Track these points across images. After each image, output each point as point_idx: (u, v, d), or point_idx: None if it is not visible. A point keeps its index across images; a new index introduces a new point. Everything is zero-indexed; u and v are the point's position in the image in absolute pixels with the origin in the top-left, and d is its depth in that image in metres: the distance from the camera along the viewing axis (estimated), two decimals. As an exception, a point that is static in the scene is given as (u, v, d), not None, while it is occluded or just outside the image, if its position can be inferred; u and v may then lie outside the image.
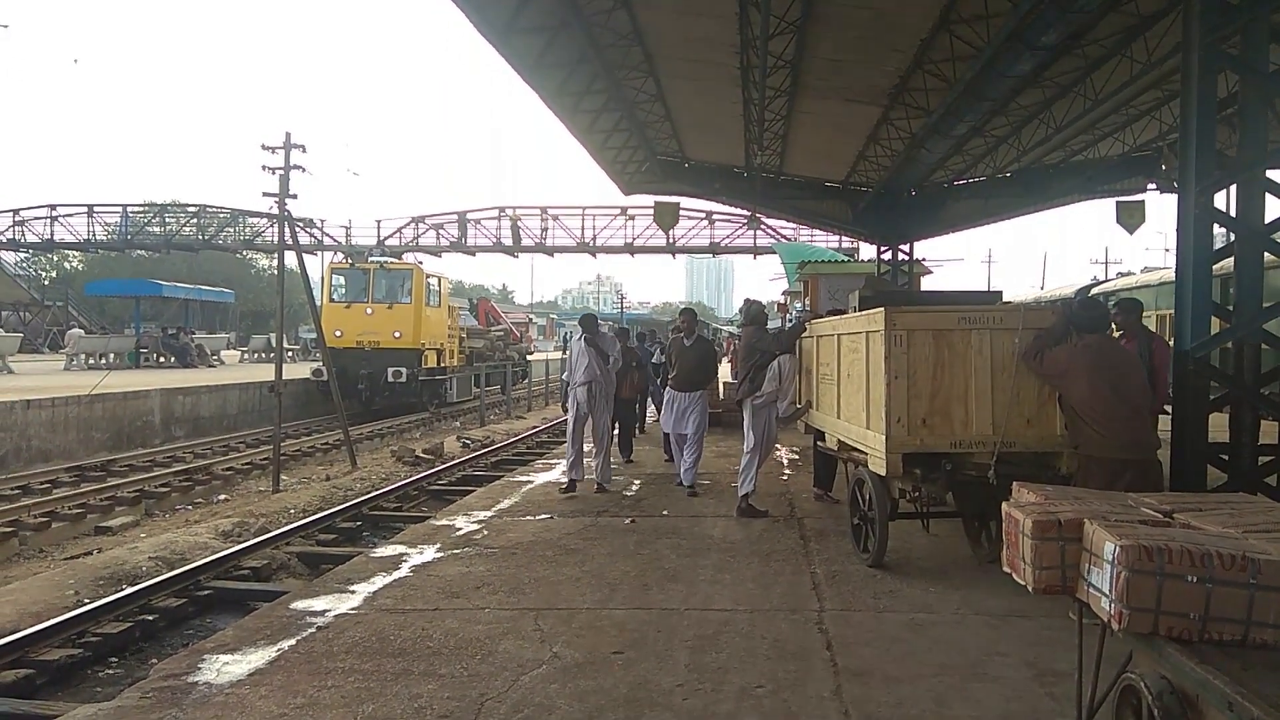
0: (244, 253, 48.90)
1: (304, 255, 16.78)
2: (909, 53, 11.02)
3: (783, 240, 35.70)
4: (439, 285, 25.31)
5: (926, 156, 14.09)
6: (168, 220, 42.20)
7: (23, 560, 9.71)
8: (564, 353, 10.88)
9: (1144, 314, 7.27)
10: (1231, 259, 6.16)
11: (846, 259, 24.85)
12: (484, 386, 24.64)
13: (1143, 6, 9.43)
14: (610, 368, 9.36)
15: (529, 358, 35.47)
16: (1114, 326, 6.95)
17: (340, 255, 28.20)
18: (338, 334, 22.23)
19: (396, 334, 23.20)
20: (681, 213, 22.53)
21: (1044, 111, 13.32)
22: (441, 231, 40.18)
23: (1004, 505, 3.39)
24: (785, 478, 9.97)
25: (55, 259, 55.74)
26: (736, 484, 8.14)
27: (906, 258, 19.87)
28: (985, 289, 17.48)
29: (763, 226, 36.37)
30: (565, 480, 9.33)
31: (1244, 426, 6.06)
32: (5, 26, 38.85)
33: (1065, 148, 16.17)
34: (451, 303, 27.56)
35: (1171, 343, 6.19)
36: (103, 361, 27.93)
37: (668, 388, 9.42)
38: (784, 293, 27.21)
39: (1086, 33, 10.07)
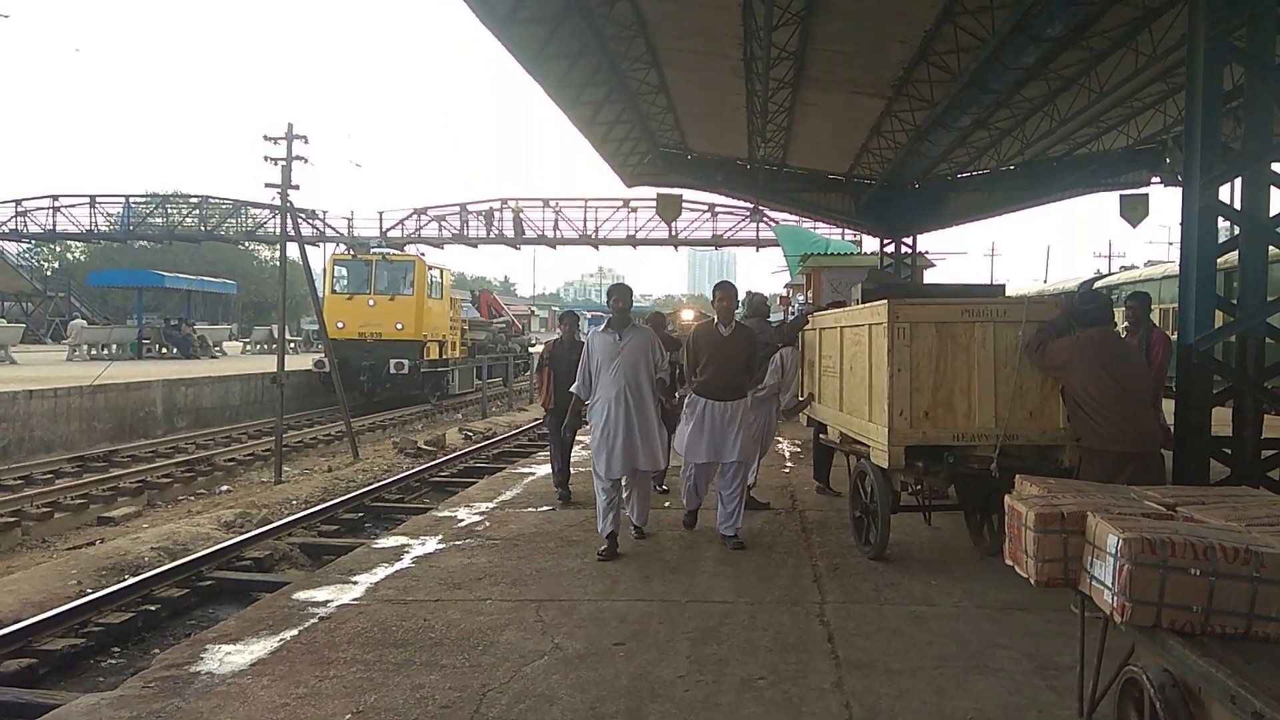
0: (246, 244, 48.94)
1: (306, 246, 16.78)
2: (913, 44, 10.98)
3: (785, 234, 35.64)
4: (441, 277, 25.33)
5: (930, 149, 14.05)
6: (170, 211, 42.17)
7: (25, 550, 9.73)
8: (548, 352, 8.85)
9: (1150, 307, 7.25)
10: (1236, 252, 6.14)
11: (853, 248, 24.83)
12: (486, 378, 24.64)
13: (1148, -2, 9.38)
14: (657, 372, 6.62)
15: (530, 349, 35.46)
16: (1120, 317, 6.95)
17: (342, 246, 28.22)
18: (340, 325, 22.25)
19: (398, 326, 23.21)
20: (684, 205, 22.54)
21: (1048, 104, 13.27)
22: (443, 223, 40.13)
23: (1006, 498, 3.39)
24: (787, 470, 9.97)
25: (57, 249, 55.76)
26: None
27: (909, 250, 19.84)
28: (988, 282, 17.45)
29: (765, 219, 36.30)
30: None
31: (1247, 420, 6.06)
32: (6, 16, 38.65)
33: (1069, 141, 16.12)
34: (454, 294, 27.56)
35: (1175, 336, 6.17)
36: (105, 352, 27.98)
37: (691, 395, 6.71)
38: (786, 285, 27.22)
39: (1091, 24, 10.03)
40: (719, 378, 6.56)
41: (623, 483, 6.45)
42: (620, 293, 6.67)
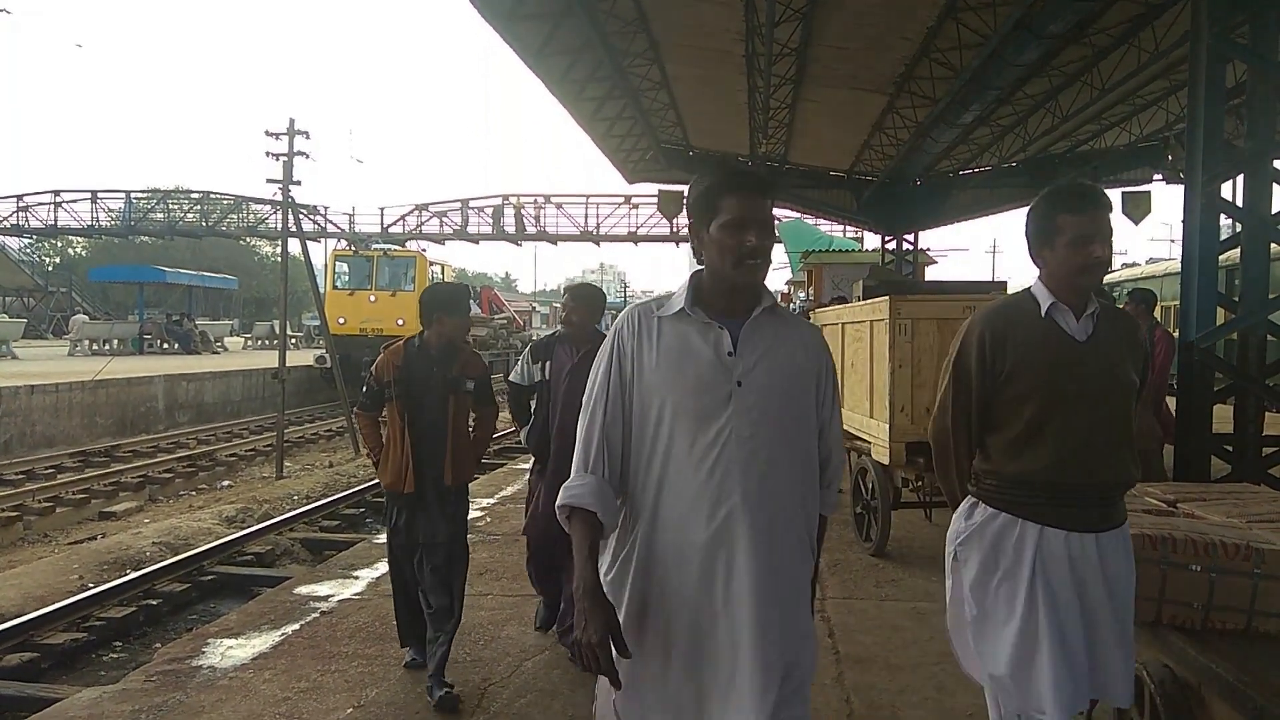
0: (247, 239, 48.93)
1: (307, 242, 16.78)
2: (916, 41, 10.96)
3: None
4: (442, 273, 25.37)
5: (932, 146, 14.03)
6: (171, 206, 42.14)
7: (27, 545, 9.75)
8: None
9: (1154, 304, 7.22)
10: (1237, 250, 6.13)
11: (855, 245, 24.84)
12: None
13: (1151, -5, 9.36)
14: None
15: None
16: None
17: (344, 242, 28.24)
18: (341, 321, 22.28)
19: (400, 321, 23.21)
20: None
21: (1050, 101, 13.25)
22: (445, 219, 40.13)
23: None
24: (788, 467, 9.96)
25: (59, 245, 55.78)
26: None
27: (911, 247, 19.84)
28: (990, 279, 17.43)
29: (767, 215, 36.25)
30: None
31: (1248, 417, 6.04)
32: (7, 11, 38.63)
33: (1071, 137, 16.11)
34: (454, 290, 27.58)
35: (1176, 334, 6.17)
36: (106, 347, 27.99)
37: (981, 509, 2.53)
38: (788, 282, 27.17)
39: (1094, 21, 10.01)
40: (1078, 461, 2.33)
41: None
42: (758, 205, 1.93)
